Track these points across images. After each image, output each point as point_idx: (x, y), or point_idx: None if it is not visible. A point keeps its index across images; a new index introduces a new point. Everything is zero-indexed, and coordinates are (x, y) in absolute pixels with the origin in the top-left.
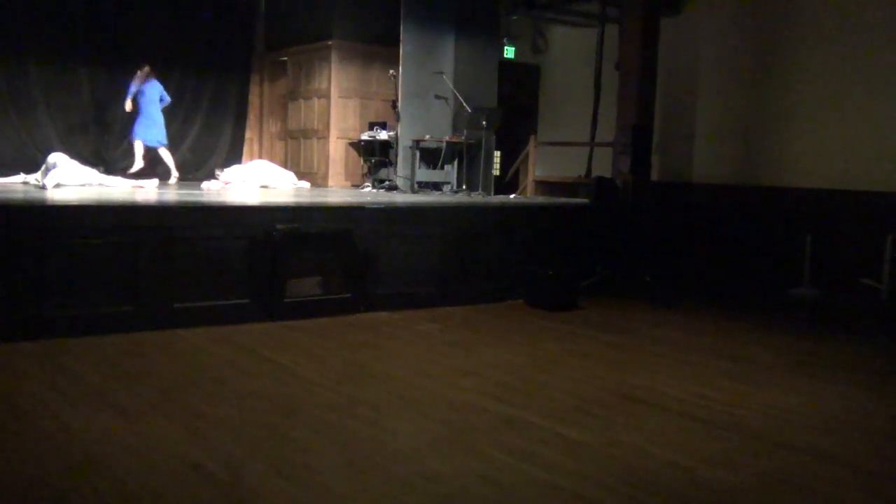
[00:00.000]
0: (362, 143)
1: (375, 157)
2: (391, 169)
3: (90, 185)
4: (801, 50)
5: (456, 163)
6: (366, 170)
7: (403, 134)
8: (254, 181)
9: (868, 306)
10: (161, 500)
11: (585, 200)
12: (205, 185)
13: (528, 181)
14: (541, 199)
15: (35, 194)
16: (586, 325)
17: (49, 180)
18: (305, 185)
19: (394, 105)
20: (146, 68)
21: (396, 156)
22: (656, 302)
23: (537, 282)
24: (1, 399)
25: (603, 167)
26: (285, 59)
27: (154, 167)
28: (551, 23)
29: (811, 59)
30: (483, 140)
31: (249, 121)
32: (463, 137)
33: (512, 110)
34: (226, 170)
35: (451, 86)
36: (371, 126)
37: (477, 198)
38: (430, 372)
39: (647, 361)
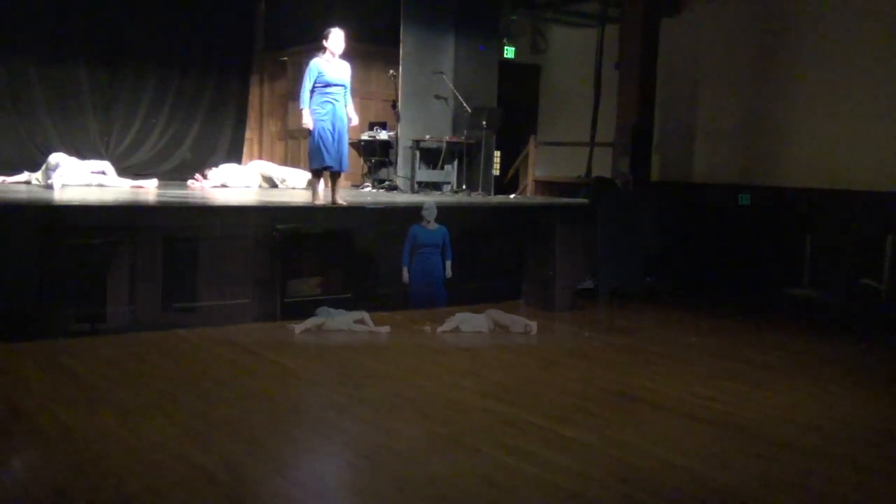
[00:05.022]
0: (362, 143)
1: (375, 157)
2: (391, 169)
3: (90, 185)
4: (801, 50)
5: (456, 163)
6: (366, 170)
7: (403, 134)
8: (254, 181)
9: (868, 306)
10: (161, 500)
11: (585, 200)
12: (189, 182)
13: (528, 181)
14: (541, 199)
15: (37, 194)
16: (586, 325)
17: (56, 181)
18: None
19: (394, 105)
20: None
21: (396, 156)
22: (656, 302)
23: (536, 282)
24: (1, 399)
25: (603, 167)
26: (285, 59)
27: (157, 165)
28: (551, 23)
29: (811, 59)
30: (483, 140)
31: (249, 121)
32: (463, 137)
33: (511, 110)
34: (221, 165)
35: (451, 86)
36: (371, 126)
37: (477, 198)
38: (430, 372)
39: (647, 361)
